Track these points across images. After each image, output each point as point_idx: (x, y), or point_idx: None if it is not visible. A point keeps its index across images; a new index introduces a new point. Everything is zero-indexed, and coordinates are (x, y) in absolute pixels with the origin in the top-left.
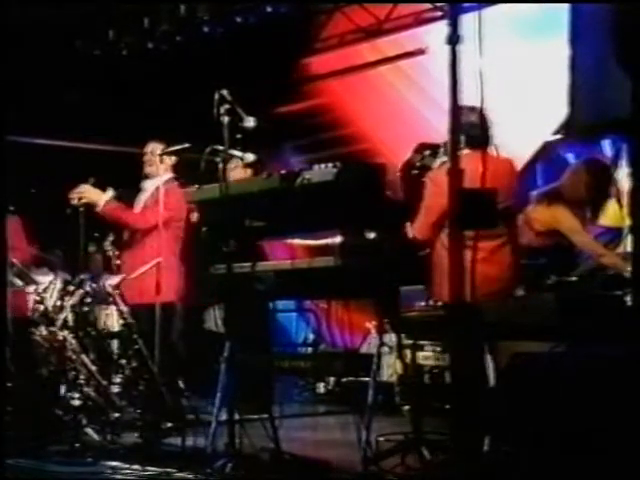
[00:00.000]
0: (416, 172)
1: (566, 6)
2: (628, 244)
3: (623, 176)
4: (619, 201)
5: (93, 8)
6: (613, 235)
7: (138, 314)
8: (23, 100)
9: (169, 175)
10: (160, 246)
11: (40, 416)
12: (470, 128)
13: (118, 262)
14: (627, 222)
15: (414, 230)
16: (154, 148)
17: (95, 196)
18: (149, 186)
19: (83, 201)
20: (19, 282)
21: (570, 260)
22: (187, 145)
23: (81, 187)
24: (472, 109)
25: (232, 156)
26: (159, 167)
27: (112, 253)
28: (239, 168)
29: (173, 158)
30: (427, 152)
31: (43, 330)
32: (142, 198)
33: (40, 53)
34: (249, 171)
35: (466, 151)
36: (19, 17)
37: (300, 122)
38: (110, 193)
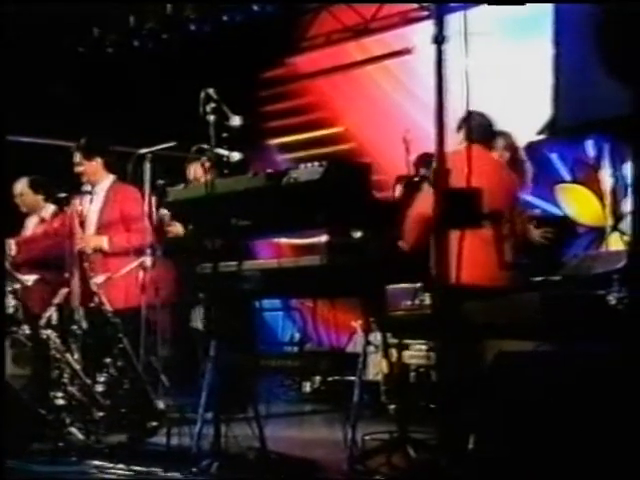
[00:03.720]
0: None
1: (550, 6)
2: (611, 243)
3: (605, 176)
4: (601, 200)
5: (78, 6)
6: (595, 235)
7: (124, 313)
8: (9, 99)
9: (112, 177)
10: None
11: (24, 415)
12: (478, 125)
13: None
14: (609, 222)
15: None
16: (78, 158)
17: (98, 242)
18: (97, 190)
19: (89, 249)
20: None
21: (555, 259)
22: (173, 144)
23: (83, 237)
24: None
25: (218, 155)
26: (92, 174)
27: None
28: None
29: (100, 160)
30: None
31: (26, 329)
32: (94, 204)
33: (23, 50)
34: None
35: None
36: (3, 15)
37: (286, 121)
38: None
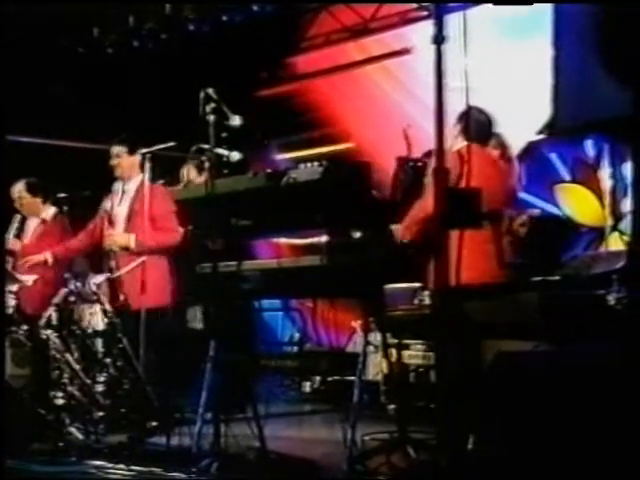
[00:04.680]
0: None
1: (549, 7)
2: (610, 243)
3: (605, 175)
4: (601, 200)
5: (77, 5)
6: (595, 235)
7: (124, 313)
8: (8, 98)
9: (142, 175)
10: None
11: (23, 415)
12: (477, 123)
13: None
14: (609, 222)
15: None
16: (119, 151)
17: (125, 241)
18: (127, 188)
19: (116, 247)
20: None
21: (554, 260)
22: (172, 144)
23: (111, 234)
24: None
25: (218, 155)
26: (127, 169)
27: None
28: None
29: (138, 157)
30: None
31: (26, 329)
32: (123, 202)
33: (23, 50)
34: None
35: (464, 143)
36: (3, 14)
37: (286, 121)
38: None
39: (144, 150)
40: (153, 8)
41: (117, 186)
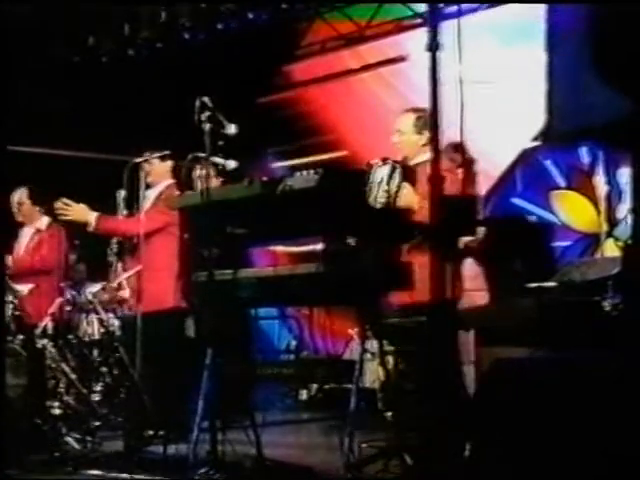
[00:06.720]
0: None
1: (543, 13)
2: (606, 249)
3: (600, 182)
4: (596, 207)
5: (72, 14)
6: (590, 241)
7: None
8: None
9: (169, 181)
10: (158, 251)
11: (20, 425)
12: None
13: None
14: (604, 228)
15: None
16: (155, 158)
17: (84, 217)
18: (150, 194)
19: (67, 218)
20: None
21: (549, 266)
22: (167, 152)
23: (73, 205)
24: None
25: (214, 163)
26: (158, 175)
27: (117, 262)
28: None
29: (169, 164)
30: None
31: (22, 339)
32: (144, 207)
33: (17, 59)
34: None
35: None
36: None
37: (282, 129)
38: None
39: (137, 159)
40: (148, 17)
41: (147, 193)
